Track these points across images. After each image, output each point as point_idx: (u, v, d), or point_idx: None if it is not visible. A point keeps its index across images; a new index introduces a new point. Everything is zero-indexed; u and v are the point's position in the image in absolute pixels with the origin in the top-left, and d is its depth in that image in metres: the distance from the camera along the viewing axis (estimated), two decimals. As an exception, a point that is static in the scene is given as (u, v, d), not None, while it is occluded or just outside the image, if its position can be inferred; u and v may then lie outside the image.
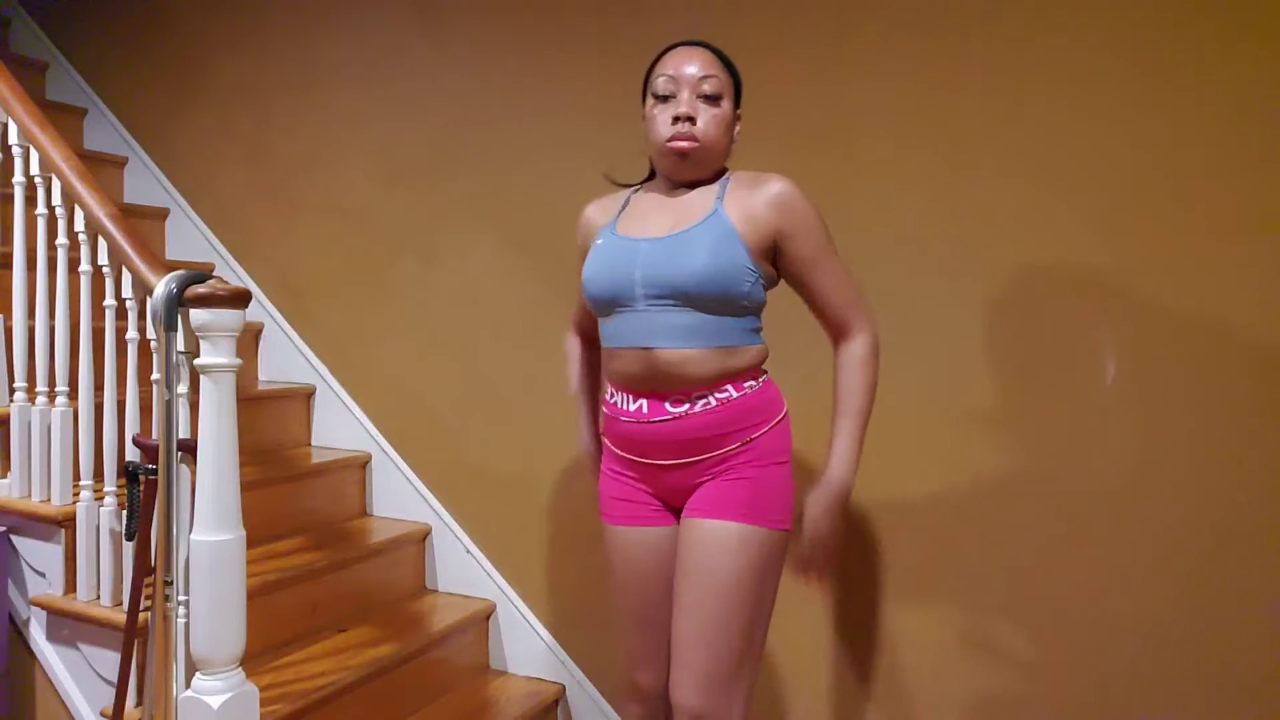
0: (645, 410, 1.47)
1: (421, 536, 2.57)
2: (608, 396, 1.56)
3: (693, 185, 1.51)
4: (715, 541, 1.41)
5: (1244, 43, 1.70)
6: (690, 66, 1.45)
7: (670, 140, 1.44)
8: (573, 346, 1.81)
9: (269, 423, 2.67)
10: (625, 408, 1.50)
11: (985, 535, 1.93)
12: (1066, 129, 1.84)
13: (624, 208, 1.57)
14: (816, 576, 1.48)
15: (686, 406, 1.44)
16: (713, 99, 1.45)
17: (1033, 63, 1.86)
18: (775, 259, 1.49)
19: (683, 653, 1.40)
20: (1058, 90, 1.85)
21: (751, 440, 1.45)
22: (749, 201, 1.44)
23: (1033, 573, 1.89)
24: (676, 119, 1.43)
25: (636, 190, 1.60)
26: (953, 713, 1.97)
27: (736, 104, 1.51)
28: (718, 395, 1.44)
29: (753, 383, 1.47)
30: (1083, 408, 1.84)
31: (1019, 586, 1.90)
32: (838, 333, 1.50)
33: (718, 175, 1.52)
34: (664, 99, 1.46)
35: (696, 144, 1.44)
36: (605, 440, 1.60)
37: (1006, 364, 1.90)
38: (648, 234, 1.47)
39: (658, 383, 1.45)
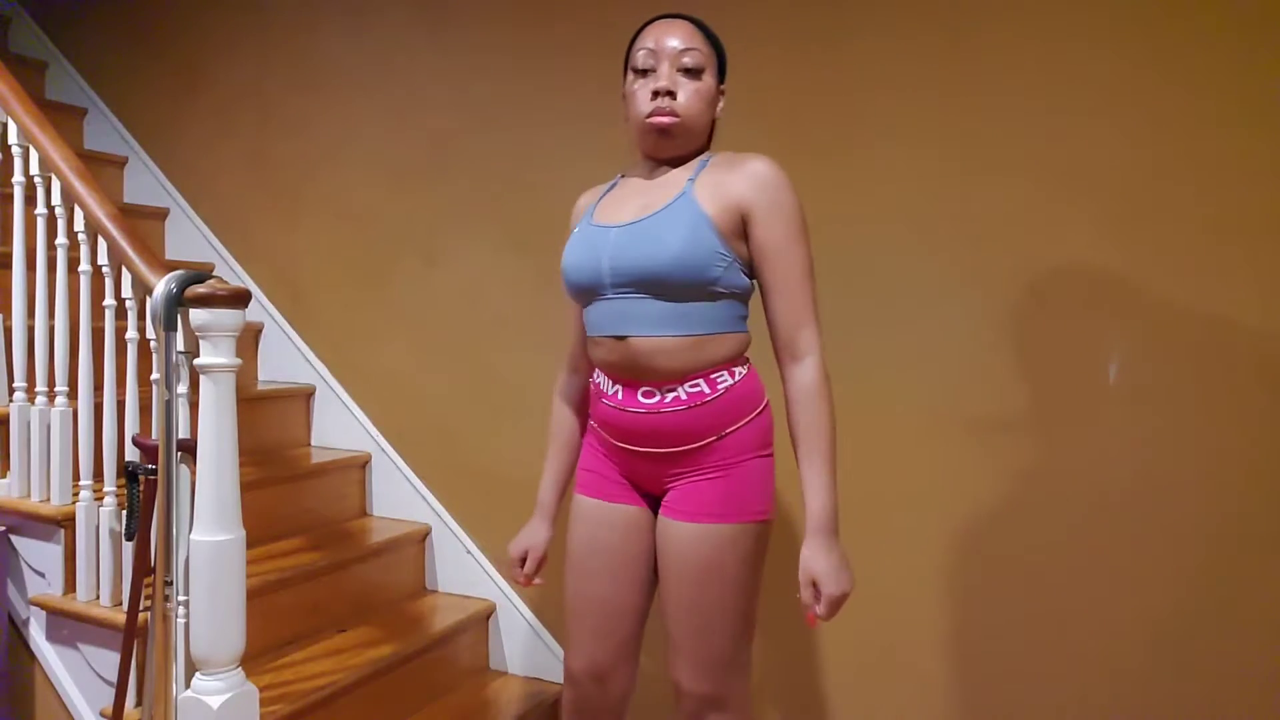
0: (621, 397, 1.45)
1: (421, 536, 2.57)
2: (594, 375, 1.55)
3: (675, 164, 1.46)
4: (703, 543, 1.39)
5: (1249, 43, 1.70)
6: (670, 39, 1.39)
7: (650, 116, 1.39)
8: (559, 399, 1.67)
9: (269, 423, 2.67)
10: (606, 390, 1.49)
11: (991, 538, 1.93)
12: (1071, 132, 1.84)
13: (607, 192, 1.53)
14: (817, 617, 1.35)
15: (657, 399, 1.40)
16: (694, 72, 1.39)
17: (1037, 66, 1.86)
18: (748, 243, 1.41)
19: (683, 643, 1.41)
20: (1062, 93, 1.84)
21: (725, 435, 1.40)
22: (723, 180, 1.37)
23: (1041, 576, 1.89)
24: (656, 94, 1.38)
25: (624, 174, 1.55)
26: (959, 715, 1.97)
27: (721, 79, 1.45)
28: (688, 389, 1.38)
29: (727, 378, 1.40)
30: (1091, 410, 1.84)
31: (1026, 590, 1.90)
32: (784, 349, 1.40)
33: (697, 154, 1.46)
34: (643, 73, 1.41)
35: (677, 119, 1.39)
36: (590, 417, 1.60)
37: (1014, 367, 1.90)
38: (620, 220, 1.42)
39: (632, 371, 1.41)
